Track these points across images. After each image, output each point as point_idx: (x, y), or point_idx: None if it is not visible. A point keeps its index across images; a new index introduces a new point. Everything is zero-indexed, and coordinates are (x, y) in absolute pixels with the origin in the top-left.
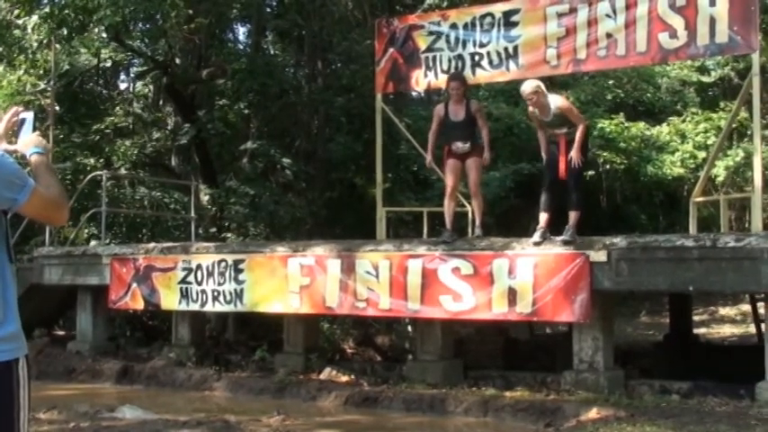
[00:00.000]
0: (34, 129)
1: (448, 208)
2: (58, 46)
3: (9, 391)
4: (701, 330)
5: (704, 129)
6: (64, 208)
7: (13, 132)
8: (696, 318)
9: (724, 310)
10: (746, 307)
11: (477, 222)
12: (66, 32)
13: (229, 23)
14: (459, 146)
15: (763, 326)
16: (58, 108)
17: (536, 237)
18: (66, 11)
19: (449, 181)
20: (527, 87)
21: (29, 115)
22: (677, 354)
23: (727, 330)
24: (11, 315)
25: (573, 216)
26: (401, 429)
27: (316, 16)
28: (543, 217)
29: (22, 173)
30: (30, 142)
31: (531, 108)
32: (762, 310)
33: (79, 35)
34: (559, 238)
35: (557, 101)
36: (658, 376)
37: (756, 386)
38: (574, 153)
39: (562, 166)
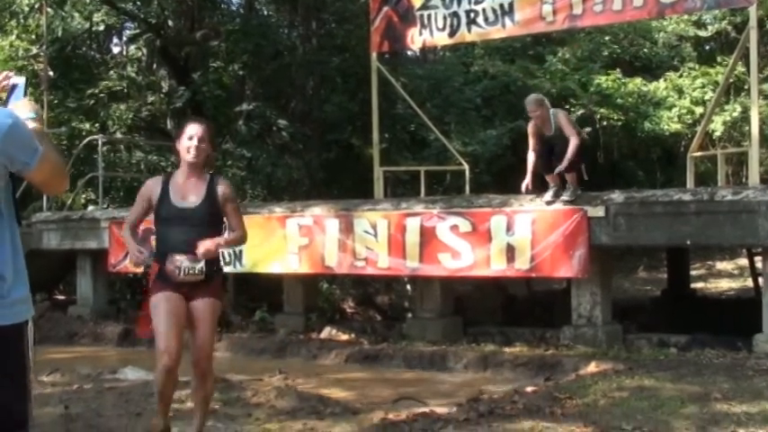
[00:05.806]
0: (25, 94)
1: None
2: (49, 10)
3: (22, 351)
4: (699, 285)
5: (701, 84)
6: (65, 175)
7: (3, 98)
8: (693, 272)
9: (721, 265)
10: (743, 261)
11: None
12: None
13: None
14: None
15: (760, 279)
16: (51, 73)
17: (548, 195)
18: None
19: None
20: (531, 100)
21: (20, 80)
22: (675, 308)
23: (724, 284)
24: (23, 278)
25: (569, 177)
26: (403, 383)
27: None
28: (551, 177)
29: (33, 137)
30: (22, 107)
31: (532, 123)
32: (759, 264)
33: None
34: (561, 199)
35: (558, 113)
36: (656, 330)
37: (753, 338)
38: (563, 164)
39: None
